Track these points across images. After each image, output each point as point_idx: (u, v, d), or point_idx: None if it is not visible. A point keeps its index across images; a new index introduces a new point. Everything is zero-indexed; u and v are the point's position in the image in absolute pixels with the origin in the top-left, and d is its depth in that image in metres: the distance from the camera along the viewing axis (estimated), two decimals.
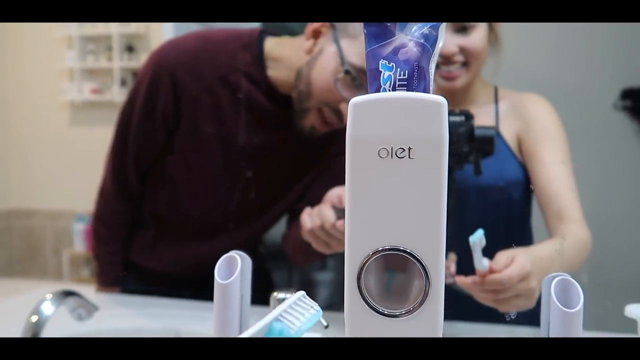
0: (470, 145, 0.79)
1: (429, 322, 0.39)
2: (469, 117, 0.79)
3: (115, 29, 2.96)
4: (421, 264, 0.39)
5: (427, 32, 0.41)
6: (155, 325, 1.01)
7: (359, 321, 0.40)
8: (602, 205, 1.86)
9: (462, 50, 0.96)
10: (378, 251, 0.39)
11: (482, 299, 0.80)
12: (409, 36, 0.41)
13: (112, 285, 1.18)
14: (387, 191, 0.39)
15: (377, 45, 0.42)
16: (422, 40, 0.40)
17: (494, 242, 0.98)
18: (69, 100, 3.10)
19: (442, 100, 0.38)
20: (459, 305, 0.93)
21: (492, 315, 0.99)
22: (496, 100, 1.04)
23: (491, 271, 0.77)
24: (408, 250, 0.39)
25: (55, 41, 3.09)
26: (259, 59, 1.01)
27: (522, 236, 1.02)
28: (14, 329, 0.76)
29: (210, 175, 1.08)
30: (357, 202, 0.39)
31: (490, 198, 0.98)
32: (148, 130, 1.06)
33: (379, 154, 0.39)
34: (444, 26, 0.42)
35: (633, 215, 1.84)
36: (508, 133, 1.01)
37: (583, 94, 1.90)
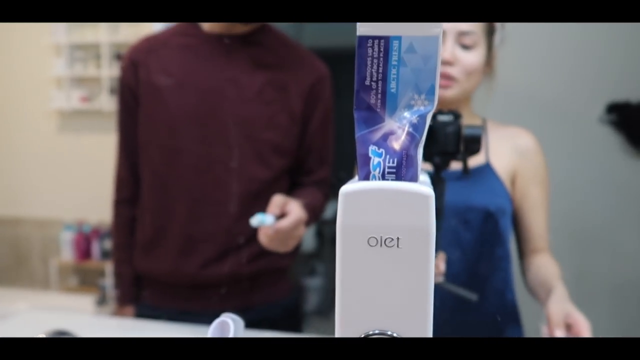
0: (458, 144, 0.80)
1: None
2: (457, 116, 0.80)
3: (104, 37, 2.94)
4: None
5: (415, 121, 0.42)
6: None
7: None
8: (587, 218, 1.89)
9: (457, 62, 1.00)
10: (368, 336, 0.41)
11: None
12: (397, 123, 0.42)
13: (126, 302, 1.20)
14: (376, 278, 0.40)
15: (367, 131, 0.43)
16: (411, 130, 0.42)
17: (474, 262, 1.02)
18: (57, 109, 3.08)
19: (429, 192, 0.39)
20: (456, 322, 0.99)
21: (494, 331, 1.03)
22: (484, 132, 1.07)
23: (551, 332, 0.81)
24: (395, 335, 0.40)
25: (43, 49, 3.06)
26: None
27: (500, 259, 1.05)
28: None
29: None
30: (347, 287, 0.41)
31: (479, 219, 1.02)
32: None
33: (368, 243, 0.40)
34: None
35: (617, 228, 1.88)
36: (502, 165, 1.05)
37: (568, 108, 1.93)
